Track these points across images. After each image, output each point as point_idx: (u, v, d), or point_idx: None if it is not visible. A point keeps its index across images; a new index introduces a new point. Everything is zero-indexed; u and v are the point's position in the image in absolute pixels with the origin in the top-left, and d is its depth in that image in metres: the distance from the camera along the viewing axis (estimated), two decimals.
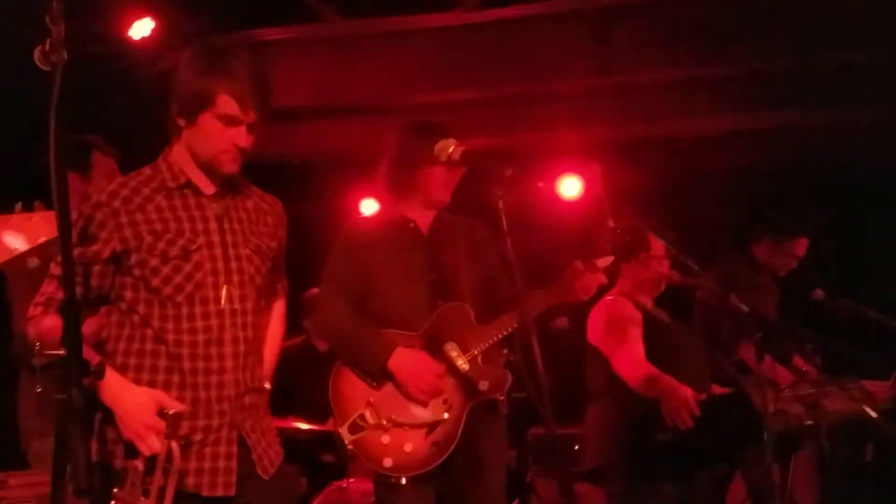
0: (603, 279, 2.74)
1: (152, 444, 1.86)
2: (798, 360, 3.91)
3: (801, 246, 4.14)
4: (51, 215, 1.57)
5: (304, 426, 3.98)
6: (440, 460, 2.61)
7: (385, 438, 2.62)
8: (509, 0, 4.74)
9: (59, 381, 1.44)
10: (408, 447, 2.61)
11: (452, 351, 2.69)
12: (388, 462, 2.60)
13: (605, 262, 2.75)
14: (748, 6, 4.48)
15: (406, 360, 2.63)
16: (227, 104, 1.97)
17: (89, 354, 1.90)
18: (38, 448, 2.81)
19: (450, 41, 4.96)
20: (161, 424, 1.87)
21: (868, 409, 3.12)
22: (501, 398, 2.73)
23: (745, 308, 2.92)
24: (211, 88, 1.97)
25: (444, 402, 2.66)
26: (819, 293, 3.80)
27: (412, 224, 2.80)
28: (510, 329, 2.70)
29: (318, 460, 4.17)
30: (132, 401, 1.89)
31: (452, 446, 2.62)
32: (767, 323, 2.94)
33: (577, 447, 3.67)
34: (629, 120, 4.92)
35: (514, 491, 4.02)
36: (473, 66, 4.96)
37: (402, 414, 2.64)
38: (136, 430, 1.87)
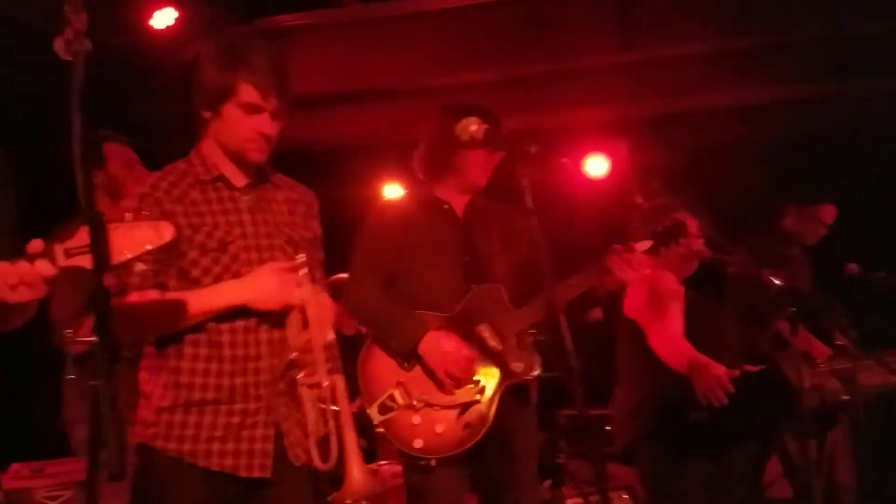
0: (642, 259, 2.68)
1: (294, 293, 1.99)
2: (836, 335, 3.84)
3: (828, 213, 4.08)
4: (157, 224, 1.63)
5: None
6: (472, 442, 2.59)
7: (416, 419, 2.60)
8: None
9: (91, 368, 1.45)
10: (439, 428, 2.60)
11: (486, 332, 2.67)
12: (418, 443, 2.59)
13: (643, 245, 2.70)
14: None
15: (436, 344, 2.61)
16: (248, 92, 2.02)
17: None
18: (81, 434, 2.85)
19: (470, 21, 4.92)
20: (286, 264, 2.02)
21: None
22: (532, 382, 2.71)
23: (778, 282, 2.86)
24: (231, 79, 2.02)
25: (477, 383, 2.65)
26: (853, 267, 3.73)
27: (447, 206, 2.80)
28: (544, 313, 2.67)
29: None
30: (253, 278, 2.01)
31: (485, 428, 2.60)
32: (801, 296, 2.88)
33: (608, 427, 3.65)
34: (655, 95, 4.86)
35: (545, 473, 4.01)
36: (495, 45, 4.92)
37: (433, 394, 2.62)
38: (277, 291, 1.99)
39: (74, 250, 1.57)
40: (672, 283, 3.24)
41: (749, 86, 4.71)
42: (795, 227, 4.11)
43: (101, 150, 3.01)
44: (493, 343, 2.66)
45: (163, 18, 4.25)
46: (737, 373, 3.02)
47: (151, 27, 4.26)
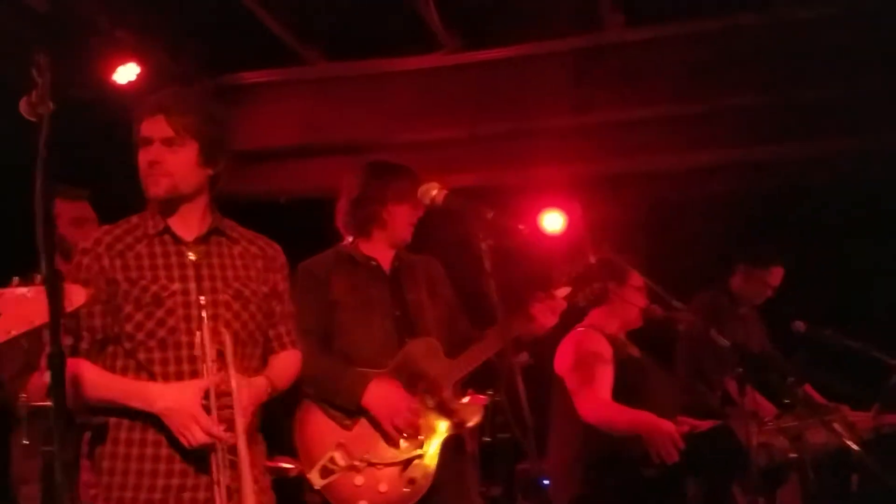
0: (563, 304, 2.77)
1: (197, 435, 1.91)
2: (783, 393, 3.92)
3: (776, 275, 4.20)
4: (69, 288, 1.60)
5: (287, 465, 3.94)
6: (417, 499, 2.58)
7: (359, 480, 2.57)
8: (490, 42, 4.83)
9: (45, 433, 1.45)
10: (383, 487, 2.57)
11: (422, 386, 2.68)
12: None
13: (563, 292, 2.80)
14: (721, 43, 4.59)
15: (381, 394, 2.60)
16: (143, 125, 2.03)
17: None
18: (28, 493, 2.79)
19: (433, 82, 5.04)
20: (204, 417, 1.91)
21: (850, 443, 3.14)
22: (468, 433, 2.74)
23: (724, 342, 2.94)
24: (138, 118, 2.04)
25: (418, 437, 2.64)
26: (800, 325, 3.83)
27: (374, 262, 2.80)
28: (479, 362, 2.71)
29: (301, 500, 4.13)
30: (174, 396, 1.93)
31: (429, 483, 2.59)
32: (747, 355, 2.96)
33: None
34: (607, 156, 5.00)
35: None
36: (456, 105, 5.04)
37: (375, 453, 2.59)
38: (181, 423, 1.91)
39: None
40: (599, 345, 3.22)
41: (699, 149, 4.88)
42: (743, 288, 4.23)
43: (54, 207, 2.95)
44: (429, 398, 2.68)
45: (125, 73, 4.26)
46: (686, 428, 3.08)
47: (114, 82, 4.26)
